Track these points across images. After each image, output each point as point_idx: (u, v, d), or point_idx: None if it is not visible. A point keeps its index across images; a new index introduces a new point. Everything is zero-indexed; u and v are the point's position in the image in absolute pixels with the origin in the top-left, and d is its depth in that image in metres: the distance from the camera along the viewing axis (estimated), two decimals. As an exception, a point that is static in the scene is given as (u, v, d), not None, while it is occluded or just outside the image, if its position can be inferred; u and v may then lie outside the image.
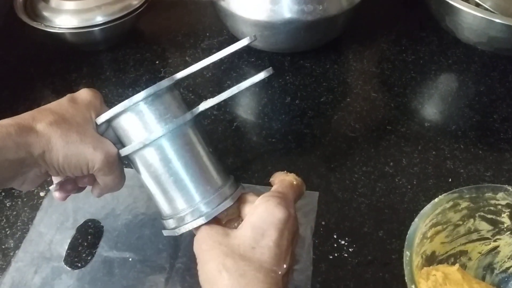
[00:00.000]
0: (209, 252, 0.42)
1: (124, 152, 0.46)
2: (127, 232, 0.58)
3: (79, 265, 0.55)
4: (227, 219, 0.46)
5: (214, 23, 0.87)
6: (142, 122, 0.45)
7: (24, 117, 0.44)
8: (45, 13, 0.77)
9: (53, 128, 0.43)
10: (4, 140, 0.41)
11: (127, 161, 0.48)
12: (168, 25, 0.87)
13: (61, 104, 0.47)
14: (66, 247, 0.57)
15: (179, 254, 0.56)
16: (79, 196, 0.60)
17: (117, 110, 0.45)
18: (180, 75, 0.47)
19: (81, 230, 0.58)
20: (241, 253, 0.40)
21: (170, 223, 0.46)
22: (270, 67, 0.46)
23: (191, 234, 0.57)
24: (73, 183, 0.51)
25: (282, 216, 0.42)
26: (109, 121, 0.47)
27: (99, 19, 0.75)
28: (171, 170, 0.45)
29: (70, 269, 0.55)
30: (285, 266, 0.41)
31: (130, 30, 0.82)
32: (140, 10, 0.79)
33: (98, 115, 0.47)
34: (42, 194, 0.61)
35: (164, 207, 0.47)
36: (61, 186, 0.50)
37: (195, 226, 0.45)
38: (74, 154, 0.44)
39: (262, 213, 0.42)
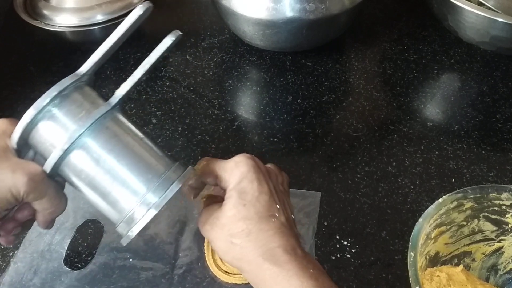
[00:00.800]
0: (213, 231, 0.43)
1: (48, 164, 0.41)
2: (128, 232, 0.57)
3: (79, 265, 0.55)
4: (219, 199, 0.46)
5: (215, 22, 0.86)
6: (57, 127, 0.41)
7: None
8: (45, 12, 0.76)
9: None
10: None
11: (62, 180, 0.44)
12: (169, 24, 0.87)
13: None
14: (66, 248, 0.56)
15: (180, 255, 0.55)
16: (79, 196, 0.60)
17: (26, 120, 0.40)
18: (84, 68, 0.43)
19: (81, 231, 0.58)
20: (238, 216, 0.42)
21: (122, 228, 0.43)
22: (177, 30, 0.43)
23: (192, 234, 0.57)
24: (13, 221, 0.46)
25: (247, 168, 0.44)
26: (25, 140, 0.42)
27: (100, 17, 0.75)
28: (104, 168, 0.41)
29: (69, 269, 0.54)
30: (278, 206, 0.43)
31: (130, 29, 0.81)
32: (140, 8, 0.78)
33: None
34: (41, 194, 0.61)
35: (111, 214, 0.43)
36: (1, 228, 0.46)
37: (147, 221, 0.41)
38: None
39: (235, 179, 0.44)
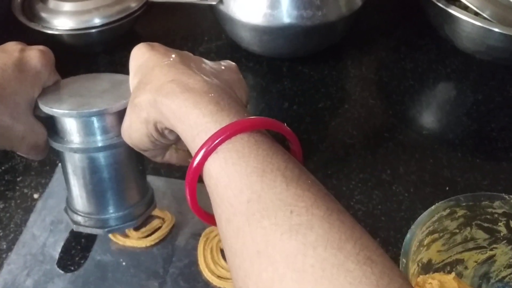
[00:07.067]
0: (128, 128, 0.42)
1: (54, 145, 0.46)
2: (121, 235, 0.57)
3: (72, 268, 0.55)
4: None
5: (213, 27, 0.86)
6: (84, 128, 0.45)
7: None
8: (43, 14, 0.76)
9: None
10: None
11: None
12: (166, 28, 0.87)
13: (5, 70, 0.43)
14: (59, 250, 0.56)
15: (173, 259, 0.55)
16: (73, 199, 0.60)
17: (69, 115, 0.44)
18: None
19: (75, 233, 0.57)
20: (136, 86, 0.41)
21: (76, 217, 0.50)
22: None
23: (185, 239, 0.57)
24: None
25: (135, 52, 0.44)
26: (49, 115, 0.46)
27: (97, 21, 0.75)
28: (95, 179, 0.47)
29: (62, 272, 0.54)
30: (174, 55, 0.41)
31: (128, 33, 0.82)
32: (138, 12, 0.78)
33: (44, 85, 0.46)
34: (36, 196, 0.61)
35: (80, 202, 0.49)
36: None
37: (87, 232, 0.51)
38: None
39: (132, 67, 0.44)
